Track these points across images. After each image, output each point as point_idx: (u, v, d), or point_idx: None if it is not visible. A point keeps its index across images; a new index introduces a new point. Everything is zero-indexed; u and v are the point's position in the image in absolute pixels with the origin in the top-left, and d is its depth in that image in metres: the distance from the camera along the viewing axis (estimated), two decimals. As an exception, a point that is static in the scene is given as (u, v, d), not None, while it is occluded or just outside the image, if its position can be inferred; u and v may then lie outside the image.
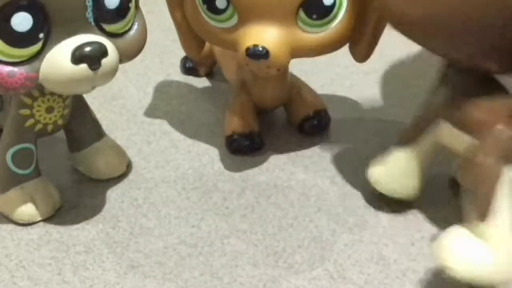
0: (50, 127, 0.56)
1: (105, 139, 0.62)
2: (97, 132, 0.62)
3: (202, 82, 0.76)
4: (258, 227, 0.57)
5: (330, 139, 0.67)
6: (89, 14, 0.50)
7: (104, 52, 0.50)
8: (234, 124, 0.65)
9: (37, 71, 0.49)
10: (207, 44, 0.68)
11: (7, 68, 0.48)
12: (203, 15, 0.58)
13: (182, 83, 0.76)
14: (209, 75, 0.77)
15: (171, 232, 0.56)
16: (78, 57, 0.49)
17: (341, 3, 0.56)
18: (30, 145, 0.56)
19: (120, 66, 0.52)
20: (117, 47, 0.51)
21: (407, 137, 0.55)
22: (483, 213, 0.47)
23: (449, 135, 0.51)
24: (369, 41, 0.60)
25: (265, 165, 0.64)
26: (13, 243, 0.55)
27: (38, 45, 0.48)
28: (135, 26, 0.54)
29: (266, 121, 0.68)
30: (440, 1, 0.45)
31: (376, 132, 0.67)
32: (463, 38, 0.46)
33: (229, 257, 0.54)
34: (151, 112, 0.71)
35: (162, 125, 0.69)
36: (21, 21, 0.47)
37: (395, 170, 0.56)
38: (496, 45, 0.45)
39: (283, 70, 0.62)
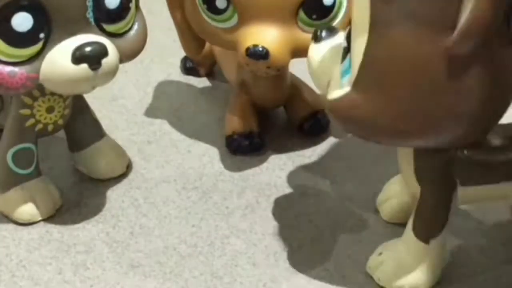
0: (50, 127, 0.56)
1: (105, 139, 0.62)
2: (98, 132, 0.62)
3: (202, 82, 0.76)
4: (258, 227, 0.57)
5: (330, 139, 0.67)
6: (90, 14, 0.50)
7: (104, 52, 0.50)
8: (234, 124, 0.65)
9: (38, 71, 0.49)
10: (207, 44, 0.68)
11: (8, 68, 0.48)
12: (203, 15, 0.58)
13: (182, 83, 0.76)
14: (209, 75, 0.77)
15: (171, 232, 0.56)
16: (78, 57, 0.49)
17: (341, 3, 0.56)
18: (31, 145, 0.56)
19: (120, 66, 0.52)
20: (117, 47, 0.51)
21: None
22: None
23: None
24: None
25: (265, 165, 0.64)
26: (14, 243, 0.55)
27: (39, 45, 0.48)
28: (135, 26, 0.54)
29: (266, 121, 0.68)
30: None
31: (376, 132, 0.67)
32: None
33: (229, 256, 0.54)
34: (151, 112, 0.71)
35: (162, 125, 0.69)
36: (22, 21, 0.47)
37: None
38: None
39: (283, 70, 0.62)
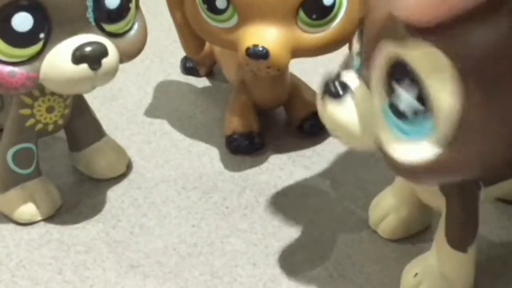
0: (50, 127, 0.56)
1: (105, 139, 0.62)
2: (98, 132, 0.62)
3: (202, 82, 0.76)
4: (258, 227, 0.57)
5: (330, 139, 0.67)
6: (90, 14, 0.50)
7: (104, 52, 0.50)
8: (234, 124, 0.65)
9: (38, 71, 0.49)
10: (207, 44, 0.68)
11: (8, 68, 0.48)
12: (203, 15, 0.58)
13: (182, 83, 0.76)
14: (209, 75, 0.77)
15: (171, 232, 0.56)
16: (78, 57, 0.49)
17: (341, 3, 0.56)
18: (31, 145, 0.56)
19: (120, 66, 0.52)
20: (117, 47, 0.51)
21: None
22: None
23: None
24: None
25: (265, 165, 0.64)
26: (14, 243, 0.55)
27: (39, 45, 0.48)
28: (135, 26, 0.54)
29: (266, 121, 0.68)
30: None
31: (376, 132, 0.67)
32: None
33: (229, 256, 0.54)
34: (151, 112, 0.71)
35: (162, 125, 0.69)
36: (22, 21, 0.47)
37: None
38: None
39: (283, 70, 0.62)
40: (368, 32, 0.42)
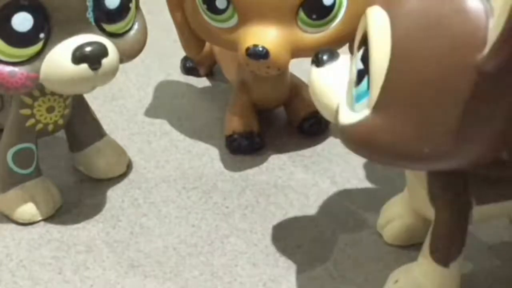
0: (50, 127, 0.56)
1: (105, 139, 0.62)
2: (98, 132, 0.62)
3: (202, 82, 0.76)
4: (258, 227, 0.57)
5: (330, 139, 0.67)
6: (90, 14, 0.50)
7: (104, 52, 0.50)
8: (234, 123, 0.65)
9: (38, 71, 0.49)
10: (207, 44, 0.68)
11: (8, 68, 0.48)
12: (203, 15, 0.58)
13: (182, 83, 0.76)
14: (209, 75, 0.77)
15: (171, 232, 0.56)
16: (78, 57, 0.49)
17: (341, 3, 0.56)
18: (31, 145, 0.56)
19: (120, 66, 0.52)
20: (118, 47, 0.51)
21: None
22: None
23: None
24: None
25: (265, 165, 0.64)
26: (14, 243, 0.55)
27: (39, 45, 0.49)
28: (136, 26, 0.54)
29: (266, 121, 0.68)
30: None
31: (376, 132, 0.67)
32: None
33: (229, 256, 0.54)
34: (151, 112, 0.71)
35: (162, 125, 0.69)
36: (22, 21, 0.47)
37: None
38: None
39: (283, 70, 0.62)
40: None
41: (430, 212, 0.48)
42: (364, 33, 0.42)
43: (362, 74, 0.42)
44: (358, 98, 0.42)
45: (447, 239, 0.47)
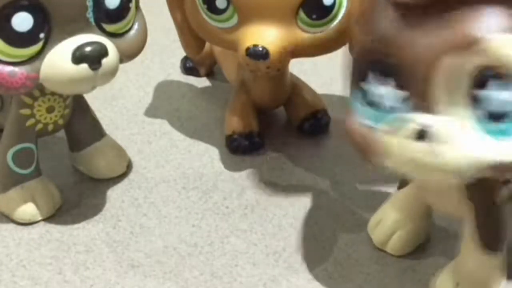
0: (50, 127, 0.56)
1: (105, 139, 0.62)
2: (98, 132, 0.62)
3: (202, 82, 0.76)
4: (258, 227, 0.57)
5: (330, 139, 0.67)
6: (90, 14, 0.50)
7: (104, 52, 0.50)
8: (234, 123, 0.65)
9: (38, 71, 0.49)
10: (207, 44, 0.68)
11: (8, 68, 0.48)
12: (203, 15, 0.58)
13: (182, 83, 0.76)
14: (209, 75, 0.77)
15: (171, 232, 0.56)
16: (78, 57, 0.49)
17: (341, 3, 0.56)
18: (31, 145, 0.56)
19: (120, 66, 0.52)
20: (118, 47, 0.51)
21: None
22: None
23: None
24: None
25: (265, 165, 0.64)
26: (14, 243, 0.55)
27: (39, 45, 0.49)
28: (135, 26, 0.54)
29: (266, 121, 0.68)
30: None
31: (376, 132, 0.67)
32: None
33: (229, 256, 0.54)
34: (151, 112, 0.71)
35: (162, 125, 0.69)
36: (22, 21, 0.47)
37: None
38: None
39: (283, 70, 0.62)
40: (419, 63, 0.40)
41: (462, 210, 0.47)
42: (485, 66, 0.39)
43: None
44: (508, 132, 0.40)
45: (493, 227, 0.48)
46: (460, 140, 0.40)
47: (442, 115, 0.40)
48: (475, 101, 0.40)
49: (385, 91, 0.42)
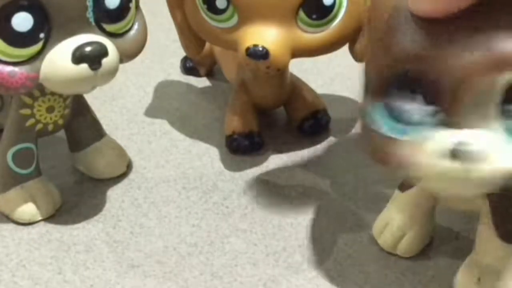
0: (50, 127, 0.57)
1: (105, 139, 0.62)
2: (98, 132, 0.62)
3: (202, 82, 0.76)
4: (258, 227, 0.57)
5: (330, 139, 0.67)
6: (90, 14, 0.50)
7: (104, 52, 0.50)
8: (234, 123, 0.65)
9: (38, 71, 0.49)
10: (207, 44, 0.68)
11: (8, 68, 0.48)
12: (203, 15, 0.58)
13: (182, 83, 0.76)
14: (209, 75, 0.77)
15: (171, 232, 0.56)
16: (78, 57, 0.49)
17: (341, 3, 0.56)
18: (31, 145, 0.56)
19: (120, 66, 0.52)
20: (118, 47, 0.51)
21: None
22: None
23: None
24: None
25: (265, 165, 0.64)
26: (14, 243, 0.55)
27: (39, 45, 0.48)
28: (136, 26, 0.54)
29: (266, 121, 0.68)
30: None
31: (376, 132, 0.67)
32: None
33: (229, 256, 0.54)
34: (151, 112, 0.71)
35: (162, 125, 0.69)
36: (22, 21, 0.47)
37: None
38: None
39: (283, 70, 0.62)
40: (448, 80, 0.39)
41: (476, 203, 0.47)
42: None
43: None
44: None
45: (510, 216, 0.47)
46: (494, 156, 0.39)
47: (472, 130, 0.40)
48: (506, 115, 0.39)
49: (411, 106, 0.41)
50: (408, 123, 0.41)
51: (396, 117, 0.42)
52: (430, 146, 0.40)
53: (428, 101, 0.40)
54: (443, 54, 0.39)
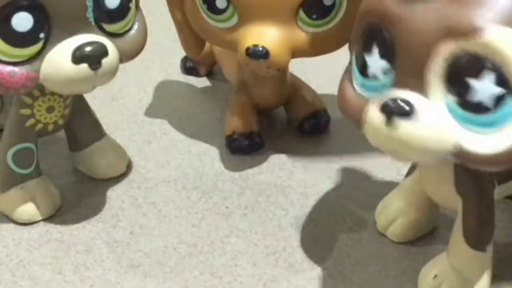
0: (50, 127, 0.56)
1: (105, 138, 0.62)
2: (98, 132, 0.62)
3: (202, 82, 0.76)
4: (258, 227, 0.57)
5: (330, 139, 0.67)
6: (90, 14, 0.50)
7: (104, 52, 0.50)
8: (234, 123, 0.65)
9: (38, 71, 0.49)
10: (207, 44, 0.68)
11: (8, 68, 0.48)
12: (203, 15, 0.58)
13: (182, 83, 0.76)
14: (209, 75, 0.77)
15: (171, 232, 0.56)
16: (78, 57, 0.49)
17: (341, 3, 0.56)
18: (31, 145, 0.56)
19: (120, 66, 0.52)
20: (118, 47, 0.51)
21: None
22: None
23: None
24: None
25: (265, 165, 0.64)
26: (14, 243, 0.55)
27: (39, 45, 0.49)
28: (135, 26, 0.54)
29: (266, 121, 0.68)
30: None
31: (376, 132, 0.67)
32: None
33: (229, 256, 0.54)
34: (151, 112, 0.71)
35: (162, 125, 0.69)
36: (22, 21, 0.47)
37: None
38: None
39: (283, 70, 0.62)
40: (413, 40, 0.40)
41: (456, 203, 0.48)
42: (485, 58, 0.39)
43: (500, 98, 0.39)
44: (497, 123, 0.39)
45: (480, 224, 0.48)
46: (423, 117, 0.40)
47: (424, 95, 0.40)
48: (449, 89, 0.40)
49: (369, 58, 0.43)
50: (368, 77, 0.43)
51: (361, 70, 0.44)
52: (373, 103, 0.41)
53: (388, 59, 0.42)
54: (414, 17, 0.40)
